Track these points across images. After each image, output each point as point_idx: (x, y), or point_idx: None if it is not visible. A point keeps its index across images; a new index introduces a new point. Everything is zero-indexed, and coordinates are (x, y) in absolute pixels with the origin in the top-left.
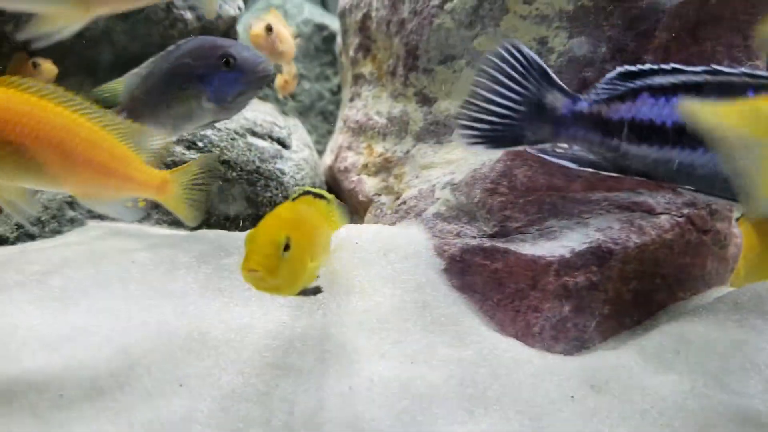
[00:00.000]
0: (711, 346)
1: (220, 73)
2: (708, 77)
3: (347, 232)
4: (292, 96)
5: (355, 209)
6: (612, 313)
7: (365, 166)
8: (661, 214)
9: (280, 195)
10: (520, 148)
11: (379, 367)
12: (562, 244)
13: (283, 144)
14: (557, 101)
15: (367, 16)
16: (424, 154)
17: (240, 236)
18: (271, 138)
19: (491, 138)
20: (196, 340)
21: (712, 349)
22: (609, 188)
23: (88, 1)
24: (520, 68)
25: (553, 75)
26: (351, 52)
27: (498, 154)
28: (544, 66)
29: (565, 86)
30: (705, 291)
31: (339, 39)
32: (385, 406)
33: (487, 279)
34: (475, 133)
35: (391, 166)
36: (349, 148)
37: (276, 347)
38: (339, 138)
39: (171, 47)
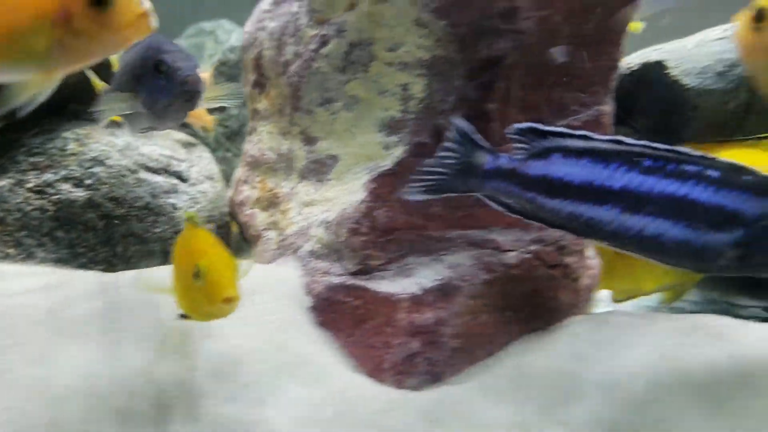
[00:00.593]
0: (545, 377)
1: (153, 79)
2: (612, 146)
3: None
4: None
5: (251, 242)
6: (462, 346)
7: (258, 200)
8: (509, 251)
9: (170, 230)
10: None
11: (225, 410)
12: (415, 281)
13: (180, 177)
14: (482, 158)
15: (260, 55)
16: (306, 191)
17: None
18: (167, 172)
19: (431, 188)
20: None
21: (546, 380)
22: (464, 226)
23: (49, 65)
24: (452, 137)
25: (478, 137)
26: (249, 88)
27: (364, 195)
28: (469, 132)
29: (488, 145)
30: (559, 321)
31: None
32: None
33: (348, 316)
34: (418, 185)
35: (278, 202)
36: (245, 181)
37: (121, 393)
38: (238, 171)
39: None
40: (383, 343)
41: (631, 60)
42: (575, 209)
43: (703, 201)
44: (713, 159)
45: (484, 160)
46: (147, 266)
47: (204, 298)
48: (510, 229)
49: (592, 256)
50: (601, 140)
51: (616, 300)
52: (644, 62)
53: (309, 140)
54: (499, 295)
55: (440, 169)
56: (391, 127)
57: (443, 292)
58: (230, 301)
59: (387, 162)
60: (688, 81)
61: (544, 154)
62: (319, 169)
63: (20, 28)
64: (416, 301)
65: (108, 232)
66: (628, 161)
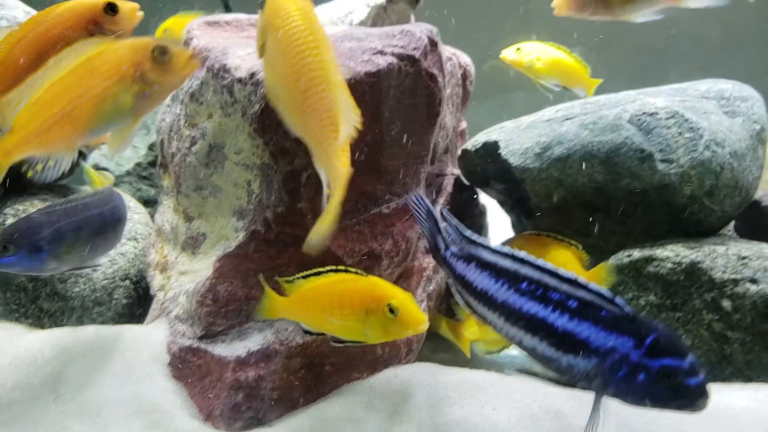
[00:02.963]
0: (335, 423)
1: None
2: (508, 262)
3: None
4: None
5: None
6: (282, 397)
7: (157, 264)
8: None
9: (88, 290)
10: None
11: None
12: (244, 345)
13: None
14: (441, 243)
15: (161, 141)
16: (183, 262)
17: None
18: None
19: None
20: None
21: (335, 426)
22: None
23: (135, 113)
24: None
25: (440, 225)
26: (158, 165)
27: (210, 272)
28: (435, 215)
29: (443, 234)
30: (379, 372)
31: None
32: None
33: (194, 372)
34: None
35: (168, 268)
36: (153, 245)
37: None
38: (151, 236)
39: None
40: (216, 395)
41: (478, 138)
42: (479, 309)
43: (559, 327)
44: (577, 288)
45: (441, 245)
46: (68, 322)
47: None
48: None
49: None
50: (504, 256)
51: (488, 352)
52: (485, 141)
53: (188, 218)
54: (316, 354)
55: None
56: (240, 214)
57: (265, 354)
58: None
59: (232, 244)
60: (513, 160)
61: (467, 258)
62: (193, 244)
63: (112, 93)
64: (240, 362)
65: (36, 291)
66: (512, 280)
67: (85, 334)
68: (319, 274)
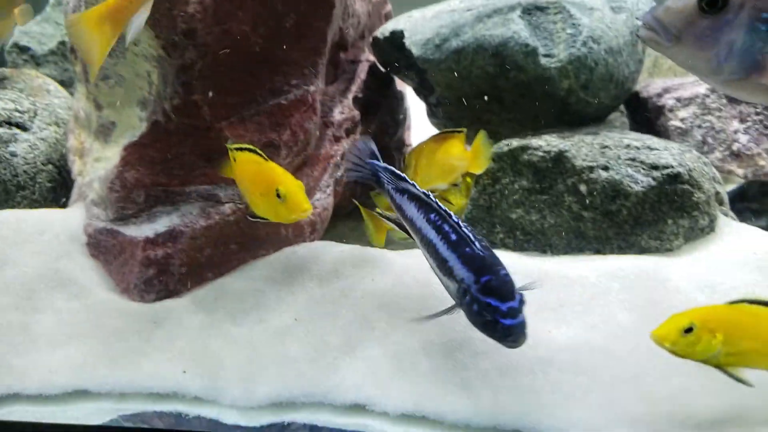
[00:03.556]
0: (237, 294)
1: None
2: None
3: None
4: None
5: None
6: (190, 272)
7: (76, 149)
8: (226, 203)
9: (8, 174)
10: None
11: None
12: (153, 227)
13: (22, 127)
14: (383, 178)
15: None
16: (96, 149)
17: None
18: (9, 124)
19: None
20: None
21: (237, 296)
22: (197, 183)
23: None
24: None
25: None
26: (69, 49)
27: (117, 160)
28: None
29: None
30: (283, 248)
31: None
32: None
33: (109, 251)
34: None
35: (85, 154)
36: (72, 131)
37: None
38: (70, 122)
39: None
40: (129, 270)
41: (387, 26)
42: (408, 228)
43: (441, 253)
44: (458, 226)
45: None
46: None
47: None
48: (231, 186)
49: (319, 198)
50: (422, 193)
51: (402, 238)
52: (392, 30)
53: (98, 106)
54: (219, 235)
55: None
56: (143, 104)
57: (171, 235)
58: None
59: (137, 133)
60: (415, 51)
61: (401, 191)
62: (105, 132)
63: None
64: (150, 242)
65: None
66: (425, 211)
67: (3, 217)
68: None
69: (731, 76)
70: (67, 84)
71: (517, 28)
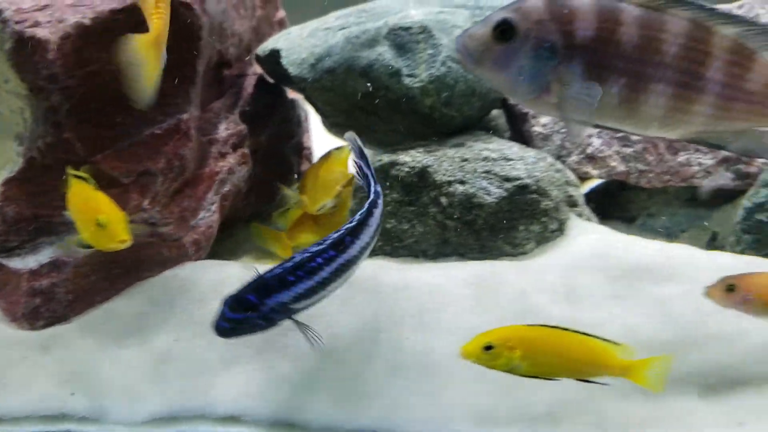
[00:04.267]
0: (122, 317)
1: None
2: None
3: None
4: None
5: None
6: (77, 298)
7: None
8: None
9: None
10: None
11: None
12: (36, 258)
13: None
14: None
15: None
16: None
17: None
18: None
19: None
20: None
21: (122, 319)
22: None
23: None
24: None
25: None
26: None
27: None
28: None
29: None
30: (167, 269)
31: None
32: None
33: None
34: None
35: None
36: None
37: None
38: None
39: None
40: (16, 301)
41: (267, 44)
42: None
43: None
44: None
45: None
46: None
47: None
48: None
49: (203, 217)
50: None
51: None
52: (271, 49)
53: None
54: (103, 261)
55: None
56: (21, 139)
57: (55, 265)
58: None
59: (15, 168)
60: (291, 70)
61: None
62: None
63: None
64: (34, 273)
65: None
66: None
67: None
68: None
69: (525, 96)
70: None
71: (382, 50)
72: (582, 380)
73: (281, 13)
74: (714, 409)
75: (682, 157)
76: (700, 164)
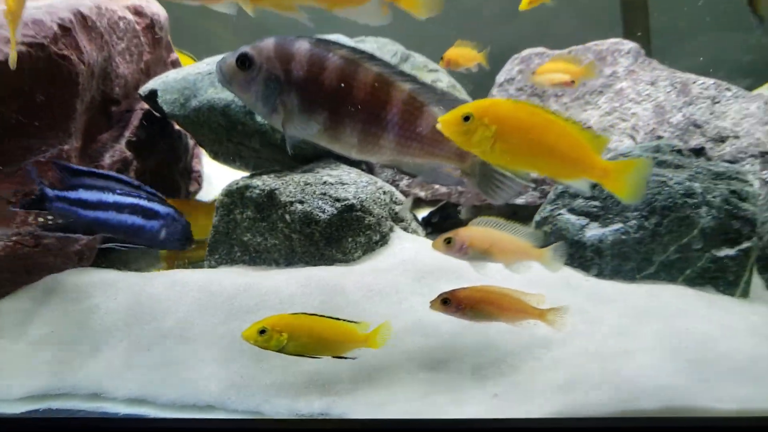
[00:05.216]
0: (7, 313)
1: None
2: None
3: None
4: None
5: None
6: None
7: None
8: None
9: None
10: None
11: None
12: None
13: None
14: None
15: None
16: None
17: None
18: None
19: None
20: None
21: (6, 315)
22: None
23: None
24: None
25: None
26: None
27: None
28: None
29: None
30: (51, 274)
31: None
32: None
33: None
34: None
35: None
36: None
37: None
38: None
39: None
40: None
41: (148, 84)
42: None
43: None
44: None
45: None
46: None
47: None
48: (8, 221)
49: None
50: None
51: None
52: (150, 89)
53: None
54: None
55: None
56: None
57: None
58: None
59: None
60: (165, 107)
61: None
62: None
63: None
64: None
65: None
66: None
67: None
68: None
69: (261, 114)
70: None
71: None
72: (337, 357)
73: (174, 56)
74: (477, 384)
75: None
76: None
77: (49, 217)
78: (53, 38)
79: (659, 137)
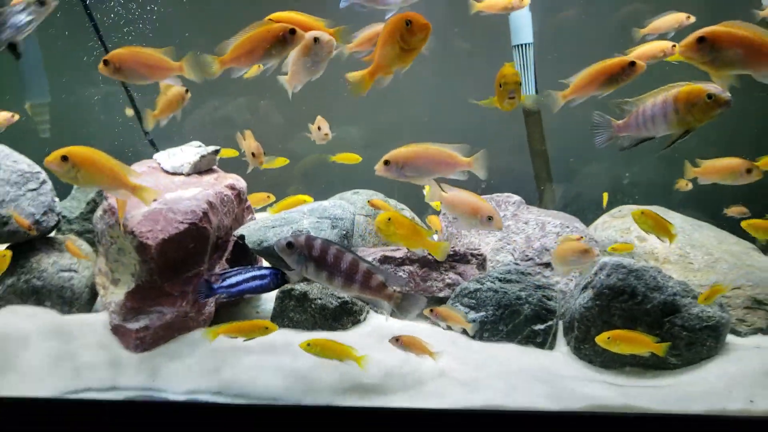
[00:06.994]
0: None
1: None
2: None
3: None
4: None
5: None
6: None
7: (100, 284)
8: (171, 314)
9: (69, 292)
10: None
11: None
12: (137, 324)
13: (73, 270)
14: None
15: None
16: (111, 288)
17: None
18: (69, 270)
19: None
20: None
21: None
22: (152, 305)
23: None
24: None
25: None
26: (95, 239)
27: None
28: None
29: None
30: (189, 332)
31: None
32: None
33: (122, 333)
34: None
35: (105, 288)
36: (96, 274)
37: None
38: (93, 268)
39: None
40: (128, 341)
41: (238, 230)
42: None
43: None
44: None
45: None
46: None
47: None
48: (174, 305)
49: (208, 305)
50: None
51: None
52: (240, 234)
53: (111, 270)
54: (165, 327)
55: None
56: (133, 275)
57: (147, 327)
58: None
59: (131, 287)
60: (249, 245)
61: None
62: (115, 282)
63: None
64: (137, 329)
65: None
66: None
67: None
68: None
69: (296, 271)
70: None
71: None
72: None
73: (247, 203)
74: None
75: (428, 283)
76: (437, 287)
77: (223, 297)
78: (200, 219)
79: (527, 256)
